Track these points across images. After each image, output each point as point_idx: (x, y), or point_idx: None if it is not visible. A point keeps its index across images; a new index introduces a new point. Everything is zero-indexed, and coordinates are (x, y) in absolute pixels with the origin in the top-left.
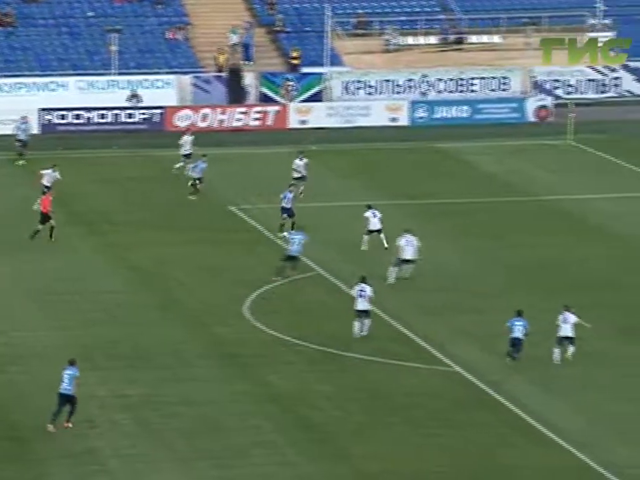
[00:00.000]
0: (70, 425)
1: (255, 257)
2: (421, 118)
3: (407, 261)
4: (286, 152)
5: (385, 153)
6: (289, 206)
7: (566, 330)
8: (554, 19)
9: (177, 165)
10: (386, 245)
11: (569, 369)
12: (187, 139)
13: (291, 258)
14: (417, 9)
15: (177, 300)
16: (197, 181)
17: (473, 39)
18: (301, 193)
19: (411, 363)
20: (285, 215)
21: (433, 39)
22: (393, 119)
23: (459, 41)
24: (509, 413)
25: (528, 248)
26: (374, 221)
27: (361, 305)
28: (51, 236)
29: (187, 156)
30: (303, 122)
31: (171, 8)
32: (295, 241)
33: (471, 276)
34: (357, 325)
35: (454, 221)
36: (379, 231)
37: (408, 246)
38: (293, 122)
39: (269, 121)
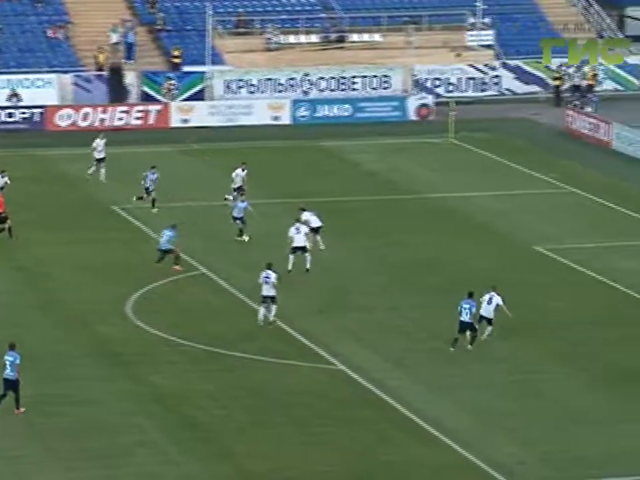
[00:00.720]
0: (22, 411)
1: (137, 257)
2: (303, 117)
3: (299, 249)
4: (168, 151)
5: (268, 152)
6: (240, 215)
7: (488, 310)
8: (434, 17)
9: (90, 170)
10: (322, 247)
11: (454, 367)
12: (99, 142)
13: (162, 251)
14: (298, 8)
15: (59, 300)
16: (146, 193)
17: (354, 37)
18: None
19: (296, 361)
20: (239, 222)
21: (314, 38)
22: (275, 118)
23: (340, 40)
24: (394, 411)
25: (411, 246)
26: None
27: (266, 290)
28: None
29: (100, 160)
30: (185, 121)
31: (51, 6)
32: (164, 237)
33: (355, 274)
34: (261, 311)
35: (337, 219)
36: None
37: (299, 234)
38: (175, 121)
39: (151, 120)
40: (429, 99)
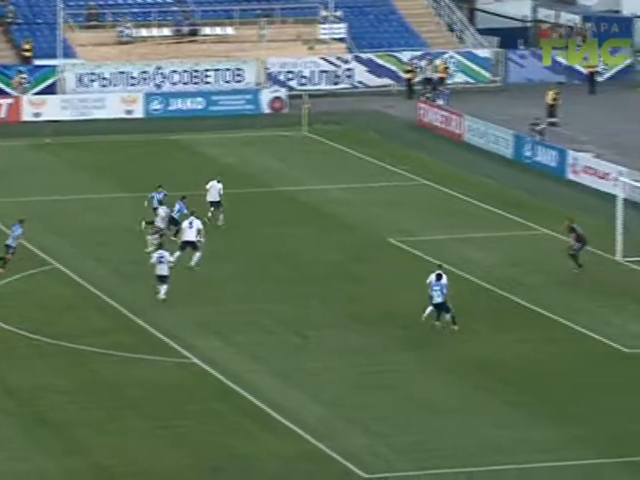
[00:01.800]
0: None
1: None
2: (156, 110)
3: (188, 243)
4: (20, 145)
5: (121, 146)
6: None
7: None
8: (287, 10)
9: None
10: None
11: (308, 359)
12: None
13: (6, 246)
14: (150, 1)
15: None
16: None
17: (207, 30)
18: (217, 221)
19: (149, 355)
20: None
21: (166, 31)
22: (128, 111)
23: (193, 33)
24: (247, 403)
25: (265, 238)
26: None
27: (160, 270)
28: None
29: None
30: (37, 115)
31: None
32: (13, 232)
33: (208, 267)
34: (162, 289)
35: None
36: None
37: (191, 229)
38: (27, 115)
39: (2, 114)
40: (282, 92)
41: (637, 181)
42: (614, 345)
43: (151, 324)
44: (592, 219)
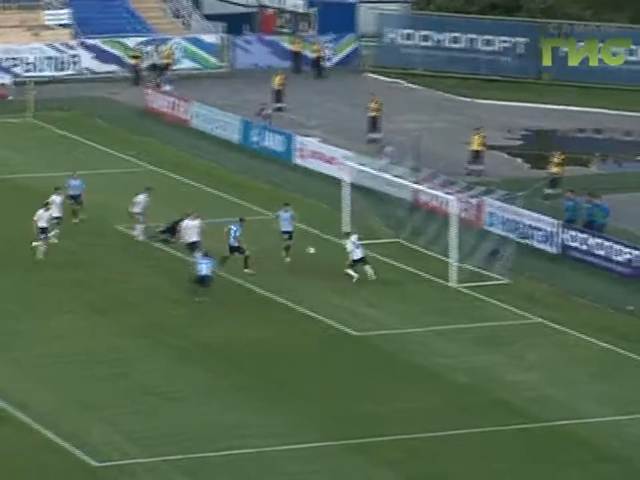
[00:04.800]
0: None
1: None
2: None
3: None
4: None
5: None
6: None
7: (357, 253)
8: None
9: None
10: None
11: (38, 346)
12: None
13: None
14: None
15: None
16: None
17: None
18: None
19: None
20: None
21: None
22: None
23: None
24: None
25: None
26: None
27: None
28: None
29: None
30: None
31: None
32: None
33: None
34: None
35: None
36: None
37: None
38: None
39: None
40: (7, 79)
41: (362, 165)
42: (343, 328)
43: None
44: (320, 203)
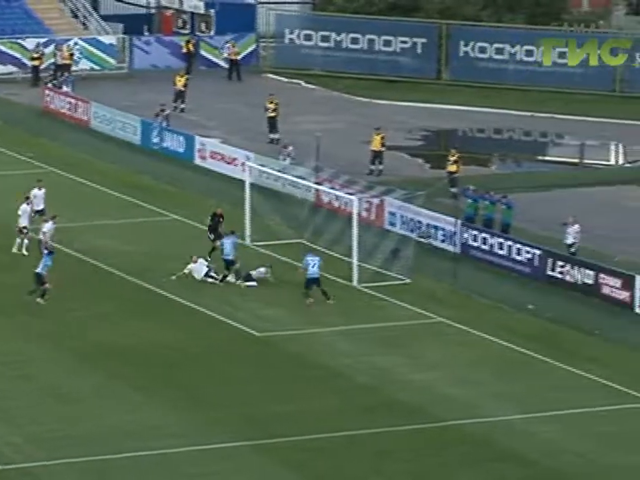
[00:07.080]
0: None
1: None
2: None
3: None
4: None
5: None
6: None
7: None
8: None
9: None
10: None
11: None
12: None
13: None
14: None
15: None
16: None
17: None
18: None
19: None
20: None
21: None
22: None
23: None
24: None
25: None
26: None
27: None
28: None
29: None
30: None
31: None
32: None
33: None
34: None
35: None
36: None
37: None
38: None
39: None
40: None
41: (263, 166)
42: (245, 329)
43: None
44: (222, 204)
